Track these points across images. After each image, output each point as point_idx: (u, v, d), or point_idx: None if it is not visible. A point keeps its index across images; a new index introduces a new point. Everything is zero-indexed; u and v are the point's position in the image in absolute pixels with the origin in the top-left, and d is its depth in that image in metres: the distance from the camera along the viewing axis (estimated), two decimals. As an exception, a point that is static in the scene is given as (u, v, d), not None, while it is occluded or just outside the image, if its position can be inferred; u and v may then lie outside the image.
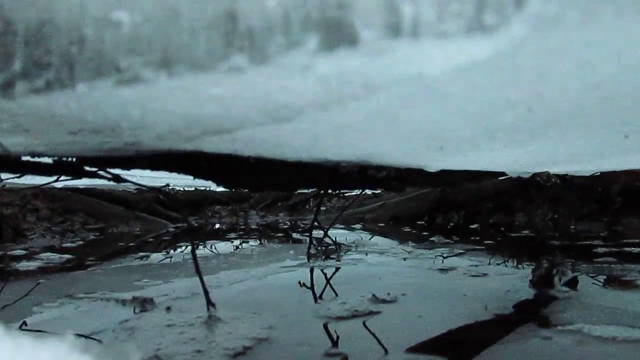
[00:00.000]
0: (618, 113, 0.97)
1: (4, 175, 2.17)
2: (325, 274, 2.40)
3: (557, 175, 3.98)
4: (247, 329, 1.41)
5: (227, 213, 7.58)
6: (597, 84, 0.69)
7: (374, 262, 2.75)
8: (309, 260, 2.83)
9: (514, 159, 1.91)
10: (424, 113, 0.91)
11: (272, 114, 0.87)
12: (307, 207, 8.05)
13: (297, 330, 1.48)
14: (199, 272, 1.72)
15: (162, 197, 6.53)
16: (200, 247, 3.55)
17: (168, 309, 1.69)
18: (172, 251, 3.49)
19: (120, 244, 4.20)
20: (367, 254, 3.02)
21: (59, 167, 1.74)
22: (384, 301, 1.75)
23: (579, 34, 0.51)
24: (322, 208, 6.92)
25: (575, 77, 0.65)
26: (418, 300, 1.82)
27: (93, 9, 0.69)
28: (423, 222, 5.87)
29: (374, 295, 1.79)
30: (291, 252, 3.32)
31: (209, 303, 1.67)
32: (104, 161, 1.73)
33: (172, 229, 5.32)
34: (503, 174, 2.94)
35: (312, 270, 2.49)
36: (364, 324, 1.52)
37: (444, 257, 2.84)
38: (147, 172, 1.91)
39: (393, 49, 0.53)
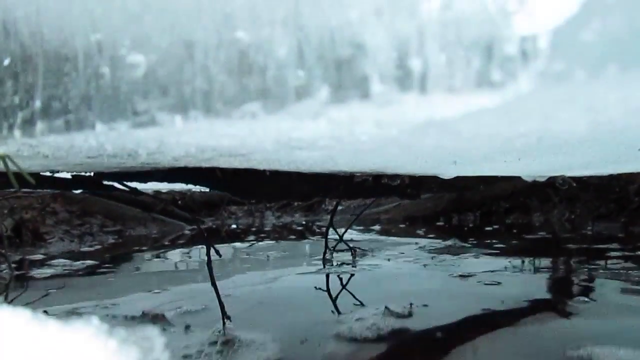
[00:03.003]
0: (630, 138, 0.98)
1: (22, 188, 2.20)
2: (341, 279, 2.42)
3: (573, 178, 3.95)
4: (258, 353, 1.41)
5: (243, 214, 7.62)
6: (606, 121, 0.70)
7: (391, 269, 2.76)
8: (324, 266, 2.84)
9: (528, 168, 1.91)
10: (435, 142, 0.92)
11: (285, 145, 0.88)
12: (323, 206, 8.05)
13: (311, 349, 1.48)
14: (214, 285, 1.75)
15: (179, 199, 6.59)
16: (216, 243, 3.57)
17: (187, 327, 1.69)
18: (187, 257, 3.51)
19: (136, 248, 4.23)
20: (383, 260, 3.02)
21: (77, 182, 1.76)
22: (401, 316, 1.75)
23: (586, 88, 0.52)
24: (339, 207, 6.94)
25: (584, 117, 0.66)
26: (437, 315, 1.82)
27: (110, 50, 0.71)
28: (439, 223, 5.85)
29: (386, 308, 1.79)
30: (307, 256, 3.34)
31: (224, 316, 1.70)
32: (122, 175, 1.76)
33: (188, 232, 5.36)
34: (518, 178, 2.94)
35: (327, 277, 2.50)
36: (375, 344, 1.51)
37: (461, 261, 2.85)
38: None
39: (402, 100, 0.55)
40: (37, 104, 0.76)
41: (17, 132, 0.78)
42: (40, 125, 0.75)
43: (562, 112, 0.63)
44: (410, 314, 1.77)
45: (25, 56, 0.79)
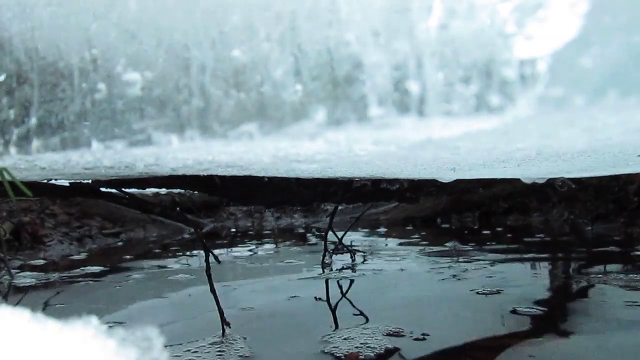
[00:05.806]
0: (629, 149, 0.97)
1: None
2: (340, 287, 2.41)
3: (572, 179, 3.95)
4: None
5: (243, 215, 7.60)
6: (605, 138, 0.69)
7: (390, 273, 2.75)
8: (323, 271, 2.83)
9: (527, 172, 1.91)
10: (433, 155, 0.91)
11: (283, 158, 0.88)
12: (322, 207, 8.03)
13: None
14: (214, 292, 1.74)
15: (178, 200, 6.57)
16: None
17: None
18: (186, 265, 3.47)
19: (129, 256, 4.18)
20: (381, 265, 3.01)
21: (75, 189, 1.76)
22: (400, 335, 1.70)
23: (586, 112, 0.51)
24: (339, 208, 6.90)
25: (583, 135, 0.66)
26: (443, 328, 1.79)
27: (105, 67, 0.71)
28: (438, 224, 5.84)
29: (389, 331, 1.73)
30: (305, 260, 3.32)
31: (224, 322, 1.69)
32: (120, 182, 1.75)
33: (188, 236, 5.33)
34: (517, 180, 2.94)
35: (327, 283, 2.49)
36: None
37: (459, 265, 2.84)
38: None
39: (400, 123, 0.54)
40: (33, 121, 0.76)
41: (12, 149, 0.78)
42: (36, 143, 0.75)
43: (561, 132, 0.63)
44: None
45: (20, 72, 0.78)
